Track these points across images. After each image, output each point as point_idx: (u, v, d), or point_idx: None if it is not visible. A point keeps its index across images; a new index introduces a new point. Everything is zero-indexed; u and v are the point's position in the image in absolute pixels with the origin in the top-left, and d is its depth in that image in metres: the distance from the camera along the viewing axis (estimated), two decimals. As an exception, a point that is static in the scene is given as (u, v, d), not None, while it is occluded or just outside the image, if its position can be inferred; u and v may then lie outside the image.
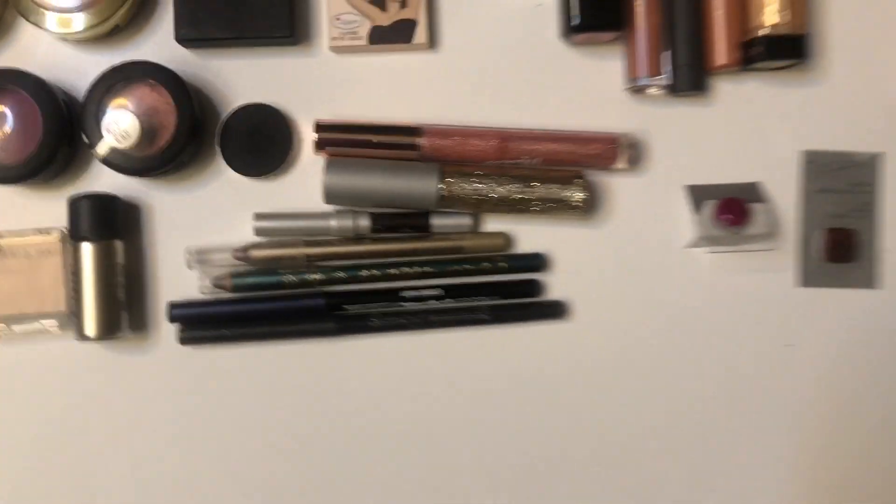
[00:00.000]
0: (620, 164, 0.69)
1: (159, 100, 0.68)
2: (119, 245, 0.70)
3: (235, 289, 0.70)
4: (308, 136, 0.71)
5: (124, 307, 0.70)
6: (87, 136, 0.68)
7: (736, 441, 0.72)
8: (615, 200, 0.71)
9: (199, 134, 0.70)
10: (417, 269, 0.71)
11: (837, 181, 0.71)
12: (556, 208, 0.68)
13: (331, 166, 0.69)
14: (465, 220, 0.71)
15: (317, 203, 0.70)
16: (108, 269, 0.69)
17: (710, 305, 0.72)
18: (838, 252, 0.71)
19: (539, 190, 0.68)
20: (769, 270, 0.72)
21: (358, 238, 0.71)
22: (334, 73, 0.72)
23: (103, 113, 0.67)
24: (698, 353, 0.72)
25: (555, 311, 0.71)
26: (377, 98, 0.72)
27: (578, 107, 0.71)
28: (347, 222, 0.70)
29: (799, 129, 0.72)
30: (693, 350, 0.72)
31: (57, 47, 0.71)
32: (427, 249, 0.71)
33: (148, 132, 0.67)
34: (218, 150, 0.71)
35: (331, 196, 0.69)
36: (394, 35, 0.69)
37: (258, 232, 0.70)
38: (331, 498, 0.72)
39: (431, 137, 0.69)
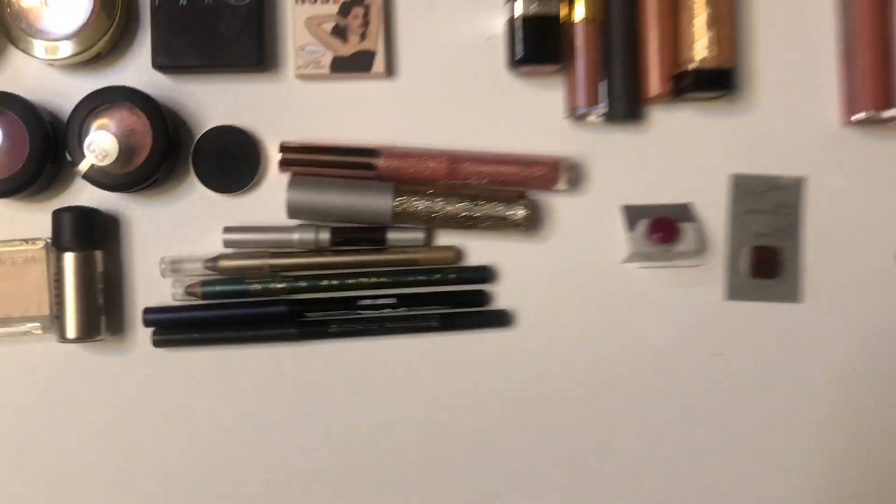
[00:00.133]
0: (561, 186, 0.72)
1: (137, 121, 0.69)
2: (99, 254, 0.71)
3: (205, 296, 0.72)
4: (274, 156, 0.72)
5: (103, 312, 0.71)
6: (71, 155, 0.69)
7: (665, 443, 0.74)
8: (557, 218, 0.73)
9: (174, 153, 0.71)
10: (374, 280, 0.72)
11: (763, 203, 0.73)
12: (501, 225, 0.70)
13: (294, 184, 0.71)
14: (418, 235, 0.72)
15: (281, 218, 0.72)
16: (88, 277, 0.70)
17: (644, 316, 0.74)
18: (763, 269, 0.73)
19: (485, 208, 0.70)
20: (700, 285, 0.74)
21: (319, 250, 0.72)
22: (299, 99, 0.73)
23: (86, 133, 0.69)
24: (632, 361, 0.74)
25: (500, 319, 0.73)
26: (338, 122, 0.73)
27: (523, 132, 0.73)
28: (309, 236, 0.71)
29: (728, 154, 0.74)
30: (627, 358, 0.74)
31: (44, 72, 0.72)
32: (383, 261, 0.72)
33: (126, 151, 0.69)
34: (191, 167, 0.73)
35: (294, 211, 0.71)
36: (354, 65, 0.71)
37: (227, 244, 0.72)
38: (290, 489, 0.73)
39: (387, 158, 0.71)
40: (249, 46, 0.70)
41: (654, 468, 0.74)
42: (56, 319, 0.70)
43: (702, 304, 0.74)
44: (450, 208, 0.71)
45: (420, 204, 0.70)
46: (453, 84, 0.73)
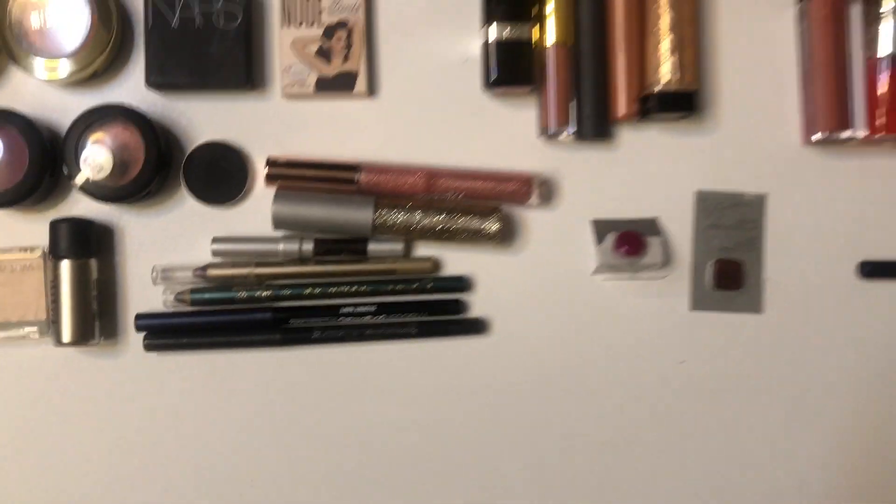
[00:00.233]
0: (534, 201, 0.73)
1: (131, 137, 0.70)
2: (93, 263, 0.72)
3: (194, 303, 0.73)
4: (260, 170, 0.73)
5: (97, 317, 0.72)
6: (68, 168, 0.70)
7: (631, 446, 0.75)
8: (530, 232, 0.74)
9: (166, 167, 0.72)
10: (354, 289, 0.73)
11: (727, 218, 0.75)
12: (476, 237, 0.72)
13: (279, 197, 0.72)
14: (397, 246, 0.73)
15: (267, 229, 0.73)
16: (83, 284, 0.71)
17: (612, 325, 0.75)
18: (726, 281, 0.75)
19: (461, 221, 0.72)
20: (666, 295, 0.75)
21: (302, 260, 0.73)
22: (285, 117, 0.74)
23: (82, 148, 0.70)
24: (601, 368, 0.75)
25: (475, 327, 0.74)
26: (322, 139, 0.74)
27: (497, 150, 0.74)
28: (293, 246, 0.72)
29: (693, 171, 0.75)
30: (597, 365, 0.75)
31: (43, 89, 0.73)
32: (363, 271, 0.73)
33: (120, 165, 0.70)
34: (182, 181, 0.73)
35: (279, 223, 0.72)
36: (337, 84, 0.72)
37: (215, 253, 0.73)
38: (274, 488, 0.74)
39: (368, 173, 0.72)
40: (238, 66, 0.71)
41: (620, 470, 0.75)
42: (52, 324, 0.71)
43: (667, 314, 0.75)
44: (427, 221, 0.72)
45: (399, 217, 0.72)
46: (431, 103, 0.74)
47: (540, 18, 0.72)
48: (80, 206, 0.74)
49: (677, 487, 0.76)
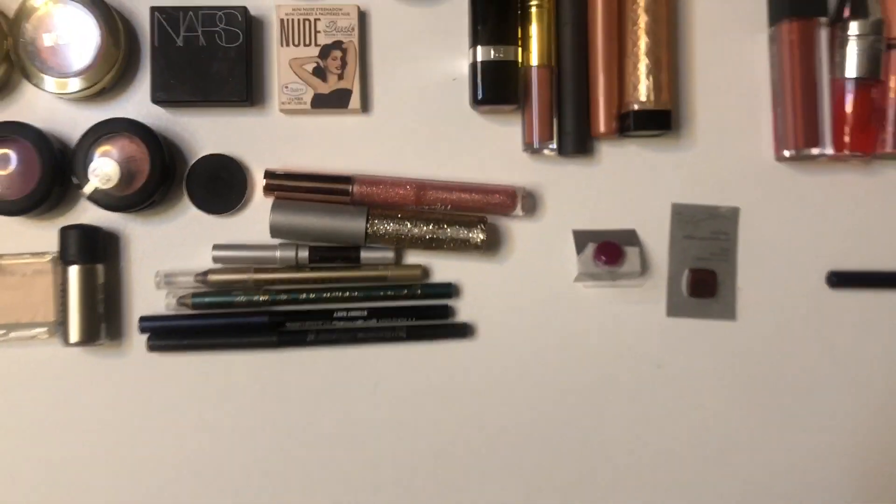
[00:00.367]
0: (518, 212, 0.75)
1: (136, 150, 0.72)
2: (100, 268, 0.73)
3: (195, 306, 0.74)
4: (259, 181, 0.75)
5: (103, 319, 0.73)
6: (77, 178, 0.72)
7: (608, 445, 0.77)
8: (514, 241, 0.76)
9: (169, 178, 0.74)
10: (347, 294, 0.75)
11: (701, 230, 0.77)
12: (463, 246, 0.74)
13: (277, 207, 0.73)
14: (388, 254, 0.75)
15: (265, 237, 0.74)
16: (90, 287, 0.73)
17: (592, 330, 0.77)
18: (701, 289, 0.77)
19: (449, 231, 0.73)
20: (643, 303, 0.77)
21: (298, 267, 0.74)
22: (282, 131, 0.76)
23: (90, 159, 0.72)
24: (582, 371, 0.77)
25: (462, 331, 0.76)
26: (317, 152, 0.76)
27: (484, 163, 0.76)
28: (290, 253, 0.74)
29: (669, 185, 0.77)
30: (578, 367, 0.77)
31: (54, 104, 0.75)
32: (356, 278, 0.75)
33: (127, 176, 0.71)
34: (184, 191, 0.75)
35: (276, 231, 0.73)
36: (332, 101, 0.74)
37: (216, 260, 0.74)
38: (269, 480, 0.75)
39: (361, 185, 0.74)
40: (239, 84, 0.73)
41: (599, 468, 0.77)
42: (60, 325, 0.73)
43: (645, 320, 0.77)
44: (417, 231, 0.74)
45: (390, 226, 0.74)
46: (422, 119, 0.76)
47: (524, 41, 0.75)
48: (88, 214, 0.76)
49: (655, 485, 0.78)
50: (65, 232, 0.73)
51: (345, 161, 0.76)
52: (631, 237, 0.77)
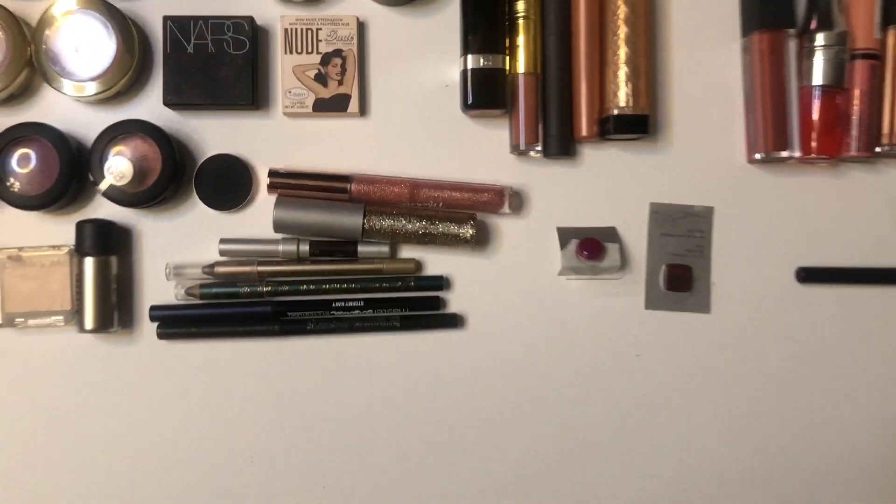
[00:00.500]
0: (506, 210, 0.78)
1: (149, 149, 0.74)
2: (114, 259, 0.75)
3: (203, 297, 0.76)
4: (263, 180, 0.77)
5: (116, 308, 0.75)
6: (93, 176, 0.74)
7: (589, 430, 0.79)
8: (502, 237, 0.79)
9: (179, 176, 0.76)
10: (345, 286, 0.76)
11: (678, 228, 0.80)
12: (453, 242, 0.76)
13: (280, 203, 0.75)
14: (383, 248, 0.77)
15: (268, 232, 0.76)
16: (104, 278, 0.74)
17: (574, 321, 0.79)
18: (677, 283, 0.79)
19: (440, 227, 0.76)
20: (622, 296, 0.79)
21: (300, 260, 0.76)
22: (286, 133, 0.78)
23: (106, 158, 0.73)
24: (564, 359, 0.79)
25: (452, 322, 0.78)
26: (318, 153, 0.77)
27: (473, 164, 0.78)
28: (292, 247, 0.76)
29: (647, 186, 0.79)
30: (561, 356, 0.79)
31: (72, 106, 0.77)
32: (353, 270, 0.77)
33: (139, 174, 0.73)
34: (193, 188, 0.77)
35: (279, 227, 0.75)
36: (333, 105, 0.76)
37: (222, 253, 0.76)
38: (271, 462, 0.77)
39: (359, 184, 0.76)
40: (245, 89, 0.75)
41: (579, 451, 0.79)
42: (76, 314, 0.75)
43: (624, 312, 0.80)
44: (410, 226, 0.76)
45: (386, 222, 0.76)
46: (416, 123, 0.78)
47: (512, 50, 0.78)
48: (103, 209, 0.77)
49: (632, 469, 0.80)
50: (81, 226, 0.75)
51: (344, 161, 0.78)
52: (611, 234, 0.79)
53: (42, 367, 0.78)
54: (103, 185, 0.73)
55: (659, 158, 0.80)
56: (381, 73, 0.79)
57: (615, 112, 0.77)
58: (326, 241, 0.77)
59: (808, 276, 0.81)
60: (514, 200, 0.79)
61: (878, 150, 0.80)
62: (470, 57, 0.76)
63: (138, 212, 0.78)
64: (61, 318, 0.76)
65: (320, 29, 0.77)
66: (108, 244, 0.76)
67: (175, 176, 0.75)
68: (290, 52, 0.77)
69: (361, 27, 0.79)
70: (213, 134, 0.78)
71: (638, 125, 0.77)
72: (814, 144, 0.79)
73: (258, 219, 0.78)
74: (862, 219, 0.81)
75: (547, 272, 0.79)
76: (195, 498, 0.78)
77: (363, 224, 0.76)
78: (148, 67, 0.78)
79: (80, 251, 0.75)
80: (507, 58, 0.77)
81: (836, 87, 0.78)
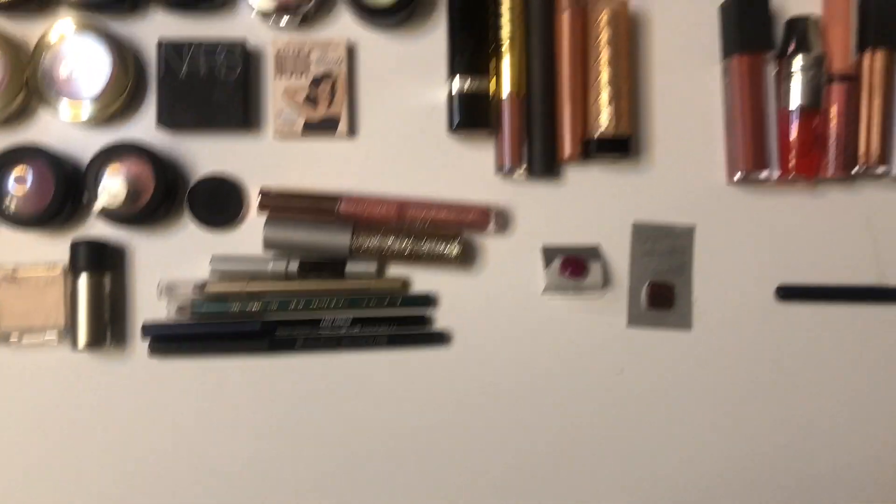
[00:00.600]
0: (491, 229, 0.78)
1: (142, 170, 0.73)
2: (107, 278, 0.75)
3: (194, 314, 0.75)
4: (254, 199, 0.76)
5: (109, 325, 0.75)
6: (88, 196, 0.73)
7: (573, 446, 0.79)
8: (487, 256, 0.79)
9: (172, 196, 0.76)
10: (333, 304, 0.76)
11: (659, 246, 0.80)
12: (440, 260, 0.76)
13: (270, 223, 0.75)
14: (371, 267, 0.76)
15: (258, 250, 0.76)
16: (97, 296, 0.74)
17: (558, 339, 0.79)
18: (659, 301, 0.79)
19: (427, 246, 0.75)
20: (605, 313, 0.79)
21: (289, 278, 0.76)
22: (276, 154, 0.78)
23: (100, 178, 0.73)
24: (549, 376, 0.79)
25: (439, 339, 0.78)
26: (308, 173, 0.77)
27: (459, 184, 0.78)
28: (281, 266, 0.75)
29: (630, 205, 0.80)
30: (545, 373, 0.79)
31: (68, 128, 0.77)
32: (341, 289, 0.76)
33: (133, 194, 0.73)
34: (186, 208, 0.76)
35: (269, 245, 0.75)
36: (322, 127, 0.76)
37: (213, 270, 0.76)
38: (261, 476, 0.77)
39: (347, 203, 0.76)
40: (236, 111, 0.75)
41: (562, 469, 0.79)
42: (70, 330, 0.74)
43: (607, 330, 0.79)
44: (398, 245, 0.76)
45: (373, 241, 0.75)
46: (403, 144, 0.78)
47: (497, 72, 0.78)
48: (97, 228, 0.77)
49: (616, 484, 0.80)
50: (75, 245, 0.75)
51: (332, 181, 0.78)
52: (594, 253, 0.80)
53: (35, 384, 0.77)
54: (97, 205, 0.74)
55: (641, 179, 0.81)
56: (369, 96, 0.79)
57: (598, 133, 0.78)
58: (315, 261, 0.77)
59: (787, 294, 0.81)
60: (499, 220, 0.79)
61: (854, 170, 0.81)
62: (456, 79, 0.77)
63: (132, 231, 0.78)
64: (55, 335, 0.76)
65: (310, 52, 0.78)
66: (101, 262, 0.75)
67: (168, 196, 0.75)
68: (281, 76, 0.77)
69: (351, 51, 0.80)
70: (206, 155, 0.78)
71: (620, 146, 0.78)
72: (792, 165, 0.79)
73: (249, 238, 0.78)
74: (840, 238, 0.82)
75: (531, 290, 0.80)
76: (186, 513, 0.79)
77: (351, 243, 0.76)
78: (142, 90, 0.78)
79: (73, 269, 0.75)
80: (493, 80, 0.78)
81: (814, 108, 0.79)
